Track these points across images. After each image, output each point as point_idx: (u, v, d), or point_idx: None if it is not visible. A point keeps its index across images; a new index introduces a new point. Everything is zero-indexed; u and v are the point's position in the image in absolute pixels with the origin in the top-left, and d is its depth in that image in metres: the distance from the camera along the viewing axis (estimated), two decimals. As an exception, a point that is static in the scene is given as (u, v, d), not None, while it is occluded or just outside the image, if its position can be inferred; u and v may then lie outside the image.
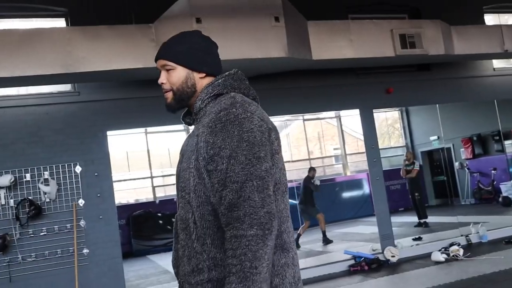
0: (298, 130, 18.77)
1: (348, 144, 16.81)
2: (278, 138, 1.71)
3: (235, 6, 6.22)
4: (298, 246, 10.12)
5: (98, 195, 6.45)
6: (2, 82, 5.67)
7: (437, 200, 12.89)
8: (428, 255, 7.49)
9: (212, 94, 1.76)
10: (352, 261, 7.51)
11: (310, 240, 10.76)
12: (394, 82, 8.30)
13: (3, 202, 6.04)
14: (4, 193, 6.05)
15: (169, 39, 1.87)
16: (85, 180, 6.40)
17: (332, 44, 6.79)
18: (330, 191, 14.49)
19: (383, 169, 15.38)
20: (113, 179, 6.96)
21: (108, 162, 6.65)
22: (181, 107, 1.86)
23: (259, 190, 1.55)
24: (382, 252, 7.70)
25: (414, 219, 11.28)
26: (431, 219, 10.99)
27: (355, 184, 14.59)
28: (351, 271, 7.30)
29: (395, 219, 12.13)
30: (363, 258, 7.43)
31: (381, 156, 16.92)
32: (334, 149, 19.09)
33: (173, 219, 1.85)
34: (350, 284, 6.62)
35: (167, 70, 1.82)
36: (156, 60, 1.86)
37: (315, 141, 19.75)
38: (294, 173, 14.91)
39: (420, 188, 11.24)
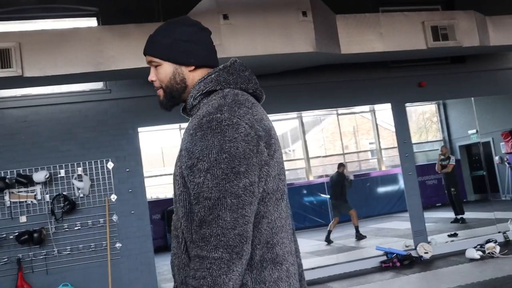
0: (333, 125, 18.62)
1: (384, 138, 16.56)
2: (270, 146, 1.54)
3: (262, 1, 6.22)
4: (330, 241, 10.07)
5: (130, 190, 6.58)
6: (35, 81, 5.84)
7: (476, 195, 12.57)
8: (463, 252, 7.31)
9: (204, 91, 1.61)
10: (384, 257, 7.42)
11: (343, 235, 10.67)
12: (427, 75, 8.13)
13: (39, 198, 6.24)
14: (40, 189, 6.25)
15: (154, 31, 1.71)
16: (117, 176, 6.55)
17: (361, 37, 6.69)
18: (365, 186, 14.33)
19: (420, 163, 15.20)
20: (148, 174, 7.10)
21: (139, 158, 6.78)
22: (175, 104, 1.72)
23: (232, 209, 1.40)
24: (415, 249, 7.57)
25: (451, 215, 11.03)
26: (468, 215, 10.72)
27: (390, 179, 14.34)
28: (382, 267, 7.21)
29: (431, 215, 11.92)
30: (395, 254, 7.32)
31: (418, 150, 16.68)
32: (370, 143, 18.86)
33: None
34: (381, 281, 6.55)
35: (155, 66, 1.68)
36: (144, 55, 1.71)
37: (350, 136, 19.57)
38: (329, 168, 14.82)
39: (457, 183, 10.97)
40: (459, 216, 10.67)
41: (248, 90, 1.66)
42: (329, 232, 10.14)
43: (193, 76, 1.66)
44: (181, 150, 1.54)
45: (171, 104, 1.71)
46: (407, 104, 8.38)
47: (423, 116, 17.99)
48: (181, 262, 1.56)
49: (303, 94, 7.52)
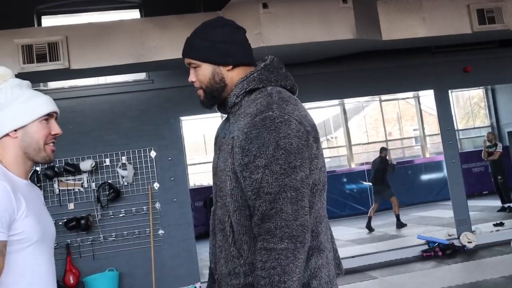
0: (376, 111, 18.37)
1: (429, 124, 16.22)
2: (317, 140, 1.64)
3: (302, -11, 6.18)
4: (371, 229, 10.02)
5: (172, 179, 6.74)
6: (81, 73, 6.04)
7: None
8: (509, 242, 7.12)
9: (247, 89, 1.69)
10: (426, 246, 7.32)
11: (385, 223, 10.61)
12: (473, 60, 7.89)
13: (85, 186, 6.48)
14: (87, 177, 6.49)
15: (191, 33, 1.79)
16: (160, 165, 6.71)
17: (403, 23, 6.57)
18: (408, 173, 14.12)
19: (467, 150, 14.81)
20: (191, 162, 7.22)
21: (181, 147, 6.92)
22: (215, 103, 1.79)
23: (292, 201, 1.50)
24: (458, 238, 7.43)
25: (498, 203, 10.76)
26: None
27: (434, 166, 14.07)
28: (424, 257, 7.12)
29: (477, 203, 11.66)
30: (437, 244, 7.22)
31: (464, 136, 16.22)
32: (414, 129, 18.51)
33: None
34: (422, 270, 6.48)
35: (194, 68, 1.75)
36: (183, 57, 1.79)
37: (393, 122, 19.26)
38: (372, 155, 14.65)
39: (504, 170, 10.66)
40: (506, 205, 10.40)
41: (287, 87, 1.73)
42: (370, 218, 10.10)
43: (231, 75, 1.73)
44: (233, 148, 1.61)
45: (212, 103, 1.79)
46: (453, 90, 8.19)
47: (470, 101, 17.49)
48: (229, 254, 1.65)
49: (344, 81, 7.47)
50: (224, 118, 1.88)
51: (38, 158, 1.77)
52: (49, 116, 1.78)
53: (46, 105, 1.78)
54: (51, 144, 1.79)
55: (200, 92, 1.78)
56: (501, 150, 10.61)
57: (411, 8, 6.63)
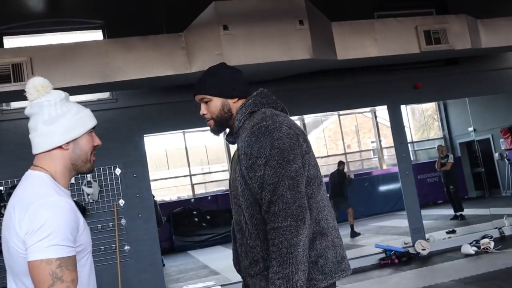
0: (335, 125, 18.85)
1: (386, 137, 16.75)
2: (306, 141, 2.02)
3: (260, 11, 6.48)
4: (357, 234, 10.55)
5: (137, 195, 6.87)
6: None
7: (477, 192, 12.80)
8: (460, 248, 7.57)
9: (246, 113, 2.09)
10: (383, 255, 7.69)
11: (343, 234, 10.95)
12: (423, 77, 8.38)
13: (50, 204, 6.52)
14: (52, 195, 6.54)
15: (202, 74, 2.20)
16: (125, 182, 6.84)
17: (357, 43, 6.95)
18: (366, 185, 14.59)
19: (422, 161, 15.39)
20: (154, 177, 7.35)
21: (145, 164, 7.07)
22: (223, 129, 2.20)
23: (290, 188, 1.85)
24: (413, 246, 7.83)
25: (451, 212, 11.28)
26: (468, 211, 10.97)
27: (391, 177, 14.59)
28: (381, 264, 7.48)
29: (432, 212, 12.18)
30: (393, 252, 7.59)
31: (419, 148, 16.80)
32: (372, 142, 19.08)
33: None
34: (380, 277, 6.82)
35: (206, 102, 2.15)
36: (194, 95, 2.18)
37: (352, 135, 19.79)
38: (331, 168, 15.05)
39: (455, 180, 11.23)
40: (458, 213, 10.93)
41: (277, 109, 2.16)
42: (351, 226, 10.57)
43: (236, 105, 2.15)
44: (239, 155, 2.01)
45: (221, 130, 2.20)
46: (405, 105, 8.64)
47: (424, 114, 18.19)
48: (248, 246, 2.01)
49: (303, 98, 7.78)
50: None
51: (84, 169, 1.90)
52: (93, 128, 1.93)
53: (92, 118, 1.94)
54: (93, 155, 1.93)
55: (211, 122, 2.18)
56: (452, 161, 11.17)
57: (364, 29, 7.03)
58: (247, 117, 2.08)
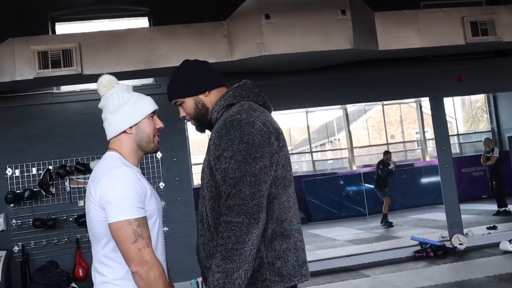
0: (378, 114, 18.63)
1: (431, 128, 16.42)
2: (279, 139, 1.95)
3: (302, 1, 6.50)
4: (390, 225, 10.58)
5: (177, 178, 7.10)
6: (93, 78, 6.38)
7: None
8: (498, 244, 7.43)
9: (225, 105, 2.05)
10: (418, 247, 7.64)
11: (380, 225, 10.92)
12: (468, 69, 8.18)
13: (95, 184, 6.84)
14: (96, 176, 6.85)
15: (169, 81, 2.23)
16: (165, 165, 7.07)
17: (399, 34, 6.87)
18: (408, 176, 14.40)
19: (468, 154, 15.03)
20: (196, 162, 7.54)
21: (186, 149, 7.28)
22: (206, 125, 2.17)
23: (251, 185, 1.80)
24: (450, 240, 7.75)
25: (495, 207, 11.03)
26: (512, 207, 10.72)
27: (433, 169, 14.34)
28: (416, 257, 7.45)
29: (476, 207, 11.94)
30: (429, 245, 7.54)
31: (465, 141, 16.39)
32: (416, 133, 18.74)
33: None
34: (413, 269, 6.81)
35: (180, 105, 2.16)
36: (170, 101, 2.21)
37: (396, 125, 19.49)
38: (374, 157, 14.95)
39: (499, 176, 10.95)
40: (501, 209, 10.68)
41: (259, 103, 2.10)
42: (384, 215, 10.62)
43: (210, 98, 2.13)
44: (209, 146, 1.97)
45: (203, 126, 2.19)
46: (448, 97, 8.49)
47: (472, 106, 17.71)
48: (206, 239, 1.98)
49: (344, 88, 7.78)
50: None
51: (149, 149, 2.17)
52: (153, 113, 2.18)
53: (151, 104, 2.18)
54: (157, 136, 2.20)
55: (192, 122, 2.19)
56: (497, 155, 10.89)
57: (407, 19, 6.94)
58: (226, 109, 2.05)
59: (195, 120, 2.17)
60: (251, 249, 1.76)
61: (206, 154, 2.01)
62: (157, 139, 2.19)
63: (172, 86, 2.18)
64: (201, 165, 2.12)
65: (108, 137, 2.15)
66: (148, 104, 2.16)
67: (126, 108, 2.11)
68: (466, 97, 16.14)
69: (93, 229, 2.02)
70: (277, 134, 1.96)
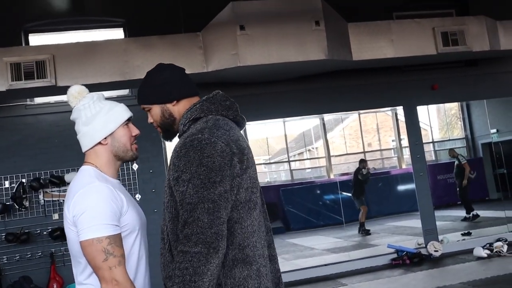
0: (355, 123, 18.79)
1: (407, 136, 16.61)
2: (242, 161, 1.83)
3: (277, 12, 6.57)
4: (368, 233, 10.64)
5: (153, 190, 7.05)
6: (66, 90, 6.33)
7: (499, 193, 12.66)
8: (472, 251, 7.55)
9: (191, 118, 1.95)
10: (395, 255, 7.72)
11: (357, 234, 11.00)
12: (440, 78, 8.35)
13: (70, 196, 6.76)
14: (71, 188, 6.77)
15: (140, 84, 2.13)
16: (142, 177, 7.02)
17: (373, 44, 6.99)
18: (385, 184, 14.54)
19: (443, 161, 15.25)
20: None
21: (162, 160, 7.24)
22: (173, 135, 2.08)
23: (209, 212, 1.69)
24: (426, 247, 7.85)
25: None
26: (487, 213, 10.90)
27: (410, 177, 14.52)
28: (393, 265, 7.53)
29: (451, 213, 12.09)
30: (405, 252, 7.63)
31: (440, 148, 16.62)
32: (393, 140, 18.95)
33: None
34: (390, 277, 6.87)
35: (148, 111, 2.07)
36: (139, 105, 2.12)
37: (373, 133, 19.69)
38: (352, 166, 15.05)
39: (461, 181, 11.25)
40: (469, 215, 10.87)
41: (229, 116, 1.99)
42: (361, 224, 10.67)
43: (178, 108, 2.02)
44: (169, 165, 1.87)
45: (169, 135, 2.11)
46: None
47: (447, 113, 18.00)
48: (166, 260, 1.89)
49: (319, 98, 7.84)
50: None
51: (127, 157, 2.12)
52: (128, 120, 2.12)
53: (125, 111, 2.11)
54: (135, 143, 2.13)
55: (159, 129, 2.11)
56: (465, 161, 11.20)
57: (380, 30, 7.06)
58: (192, 122, 1.95)
59: (162, 128, 2.09)
60: (210, 280, 1.67)
61: (167, 173, 1.92)
62: (135, 146, 2.14)
63: (141, 91, 2.09)
64: None
65: (84, 150, 2.09)
66: (121, 112, 2.10)
67: (99, 119, 2.04)
68: (441, 105, 16.40)
69: (72, 250, 1.96)
70: (241, 155, 1.84)
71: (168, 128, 2.06)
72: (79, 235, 1.86)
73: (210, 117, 1.93)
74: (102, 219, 1.85)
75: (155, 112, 2.05)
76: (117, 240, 1.87)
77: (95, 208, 1.86)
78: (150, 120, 2.10)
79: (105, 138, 2.05)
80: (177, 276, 1.67)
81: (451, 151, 11.75)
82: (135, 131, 2.14)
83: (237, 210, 1.82)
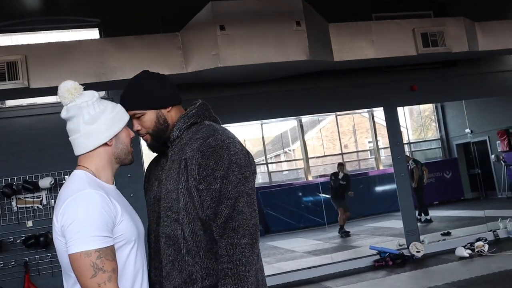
0: (332, 124, 18.82)
1: (384, 137, 16.70)
2: (254, 160, 1.97)
3: (257, 12, 6.46)
4: (348, 235, 10.64)
5: (132, 195, 6.83)
6: (41, 92, 6.10)
7: (473, 193, 12.80)
8: (454, 251, 7.57)
9: (189, 123, 1.99)
10: (378, 256, 7.68)
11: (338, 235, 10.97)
12: (420, 79, 8.37)
13: (44, 203, 6.52)
14: (46, 195, 6.54)
15: (126, 87, 2.02)
16: (119, 181, 6.76)
17: (354, 45, 6.94)
18: (363, 185, 14.58)
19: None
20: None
21: (141, 164, 7.03)
22: (162, 142, 2.01)
23: (248, 205, 1.82)
24: (408, 248, 7.83)
25: (448, 213, 11.30)
26: (464, 213, 11.01)
27: (387, 177, 14.57)
28: (376, 266, 7.48)
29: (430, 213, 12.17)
30: (387, 254, 7.59)
31: (416, 149, 16.81)
32: (369, 142, 19.06)
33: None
34: (373, 279, 6.81)
35: (138, 117, 1.97)
36: (127, 111, 1.97)
37: (350, 135, 19.77)
38: (329, 167, 15.07)
39: (421, 185, 11.38)
40: (423, 218, 10.90)
41: (218, 124, 2.08)
42: (341, 227, 10.61)
43: (171, 114, 2.02)
44: (186, 166, 1.85)
45: (159, 143, 2.02)
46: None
47: (421, 115, 18.18)
48: (184, 263, 1.86)
49: (300, 99, 7.77)
50: (154, 157, 2.14)
51: (127, 161, 1.99)
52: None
53: (125, 112, 1.97)
54: (131, 146, 2.00)
55: (147, 137, 2.01)
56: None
57: (361, 31, 7.02)
58: (188, 127, 1.99)
59: (153, 135, 2.00)
60: (256, 269, 1.82)
61: (177, 175, 1.89)
62: (132, 149, 2.01)
63: (134, 95, 1.98)
64: (152, 195, 2.07)
65: (82, 152, 1.89)
66: (124, 112, 1.96)
67: (104, 117, 1.88)
68: (415, 106, 16.57)
69: (61, 262, 1.81)
70: (250, 153, 1.98)
71: (161, 135, 2.01)
72: (67, 247, 1.69)
73: (207, 122, 2.02)
74: (91, 231, 1.68)
75: (149, 118, 1.98)
76: (108, 253, 1.70)
77: (84, 218, 1.69)
78: (137, 127, 2.00)
79: (111, 139, 1.90)
80: (228, 268, 1.75)
81: (407, 158, 11.91)
82: (132, 133, 2.00)
83: None
